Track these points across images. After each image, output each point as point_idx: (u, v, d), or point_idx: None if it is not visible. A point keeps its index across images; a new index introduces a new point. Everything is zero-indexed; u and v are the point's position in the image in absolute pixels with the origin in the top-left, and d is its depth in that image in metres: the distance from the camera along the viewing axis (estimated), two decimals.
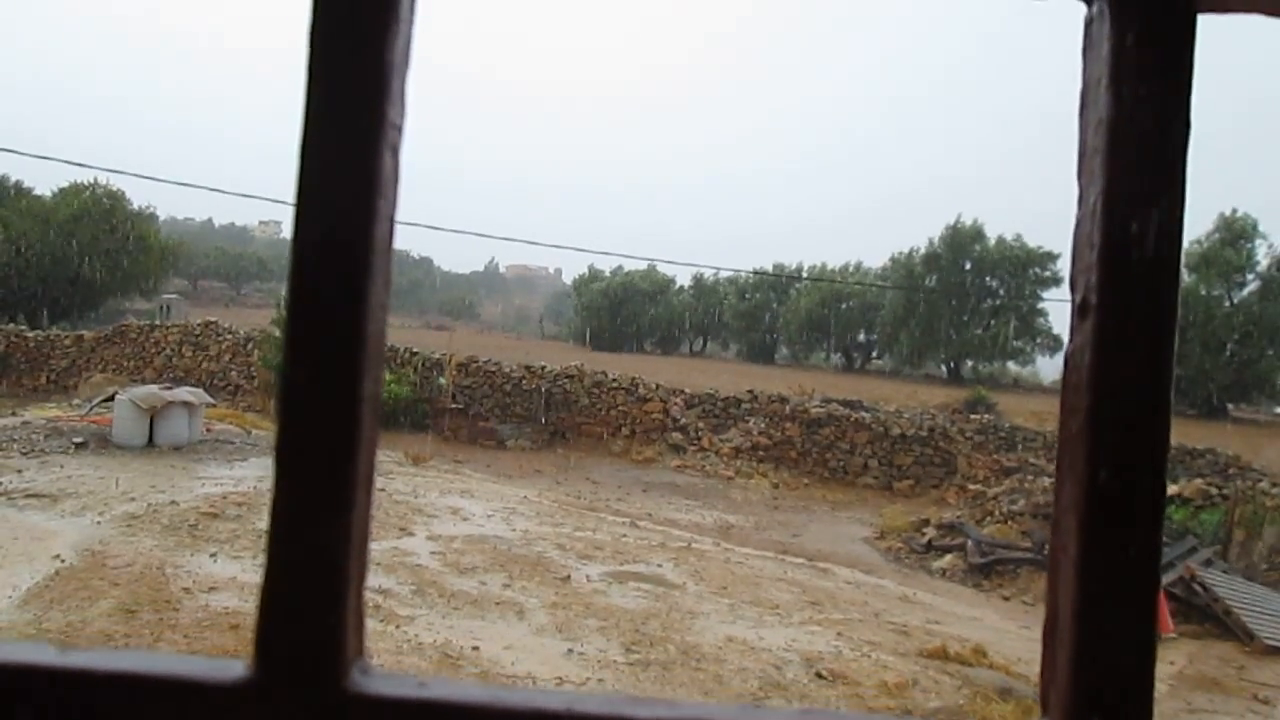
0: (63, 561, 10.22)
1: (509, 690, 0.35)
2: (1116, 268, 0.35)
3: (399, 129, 0.36)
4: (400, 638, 8.81)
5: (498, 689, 0.35)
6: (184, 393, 19.26)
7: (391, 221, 0.36)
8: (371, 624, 9.09)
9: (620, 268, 67.16)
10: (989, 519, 17.06)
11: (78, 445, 17.30)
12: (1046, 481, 17.87)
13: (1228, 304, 42.40)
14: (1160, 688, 9.89)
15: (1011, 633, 11.61)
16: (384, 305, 0.36)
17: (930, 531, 16.94)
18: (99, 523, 12.09)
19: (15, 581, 9.50)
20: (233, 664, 0.36)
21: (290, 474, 0.35)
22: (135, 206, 44.19)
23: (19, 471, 14.81)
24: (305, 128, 0.35)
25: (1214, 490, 16.87)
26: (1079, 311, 0.35)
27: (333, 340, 0.35)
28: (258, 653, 0.35)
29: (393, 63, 0.35)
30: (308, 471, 0.35)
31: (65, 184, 44.05)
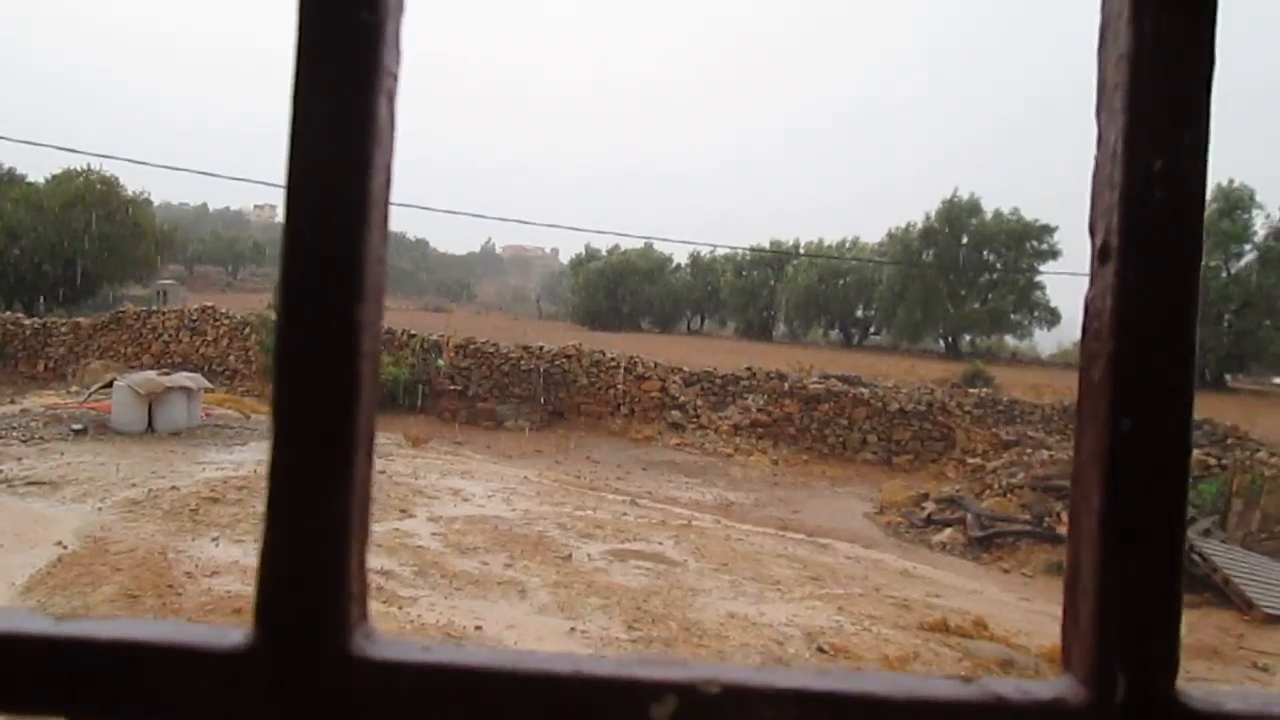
0: (65, 548, 10.24)
1: (515, 653, 0.34)
2: (1138, 208, 0.34)
3: (395, 76, 0.34)
4: (403, 618, 8.84)
5: (503, 652, 0.34)
6: (182, 378, 19.24)
7: (388, 172, 0.34)
8: (374, 605, 9.12)
9: (617, 247, 67.03)
10: (988, 492, 17.10)
11: (77, 432, 17.30)
12: (1045, 454, 17.90)
13: (1225, 275, 42.38)
14: None
15: (1011, 605, 11.66)
16: (382, 259, 0.35)
17: (930, 506, 16.99)
18: (100, 509, 12.11)
19: (18, 568, 9.52)
20: (233, 631, 0.35)
21: (288, 434, 0.34)
22: (129, 192, 43.99)
23: (19, 459, 14.81)
24: (297, 75, 0.33)
25: (1212, 461, 16.91)
26: (1099, 255, 0.34)
27: (330, 294, 0.34)
28: (258, 619, 0.34)
29: (388, 6, 0.33)
30: (306, 431, 0.34)
31: (58, 170, 43.86)
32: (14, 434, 16.73)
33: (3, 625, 0.34)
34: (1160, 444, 0.34)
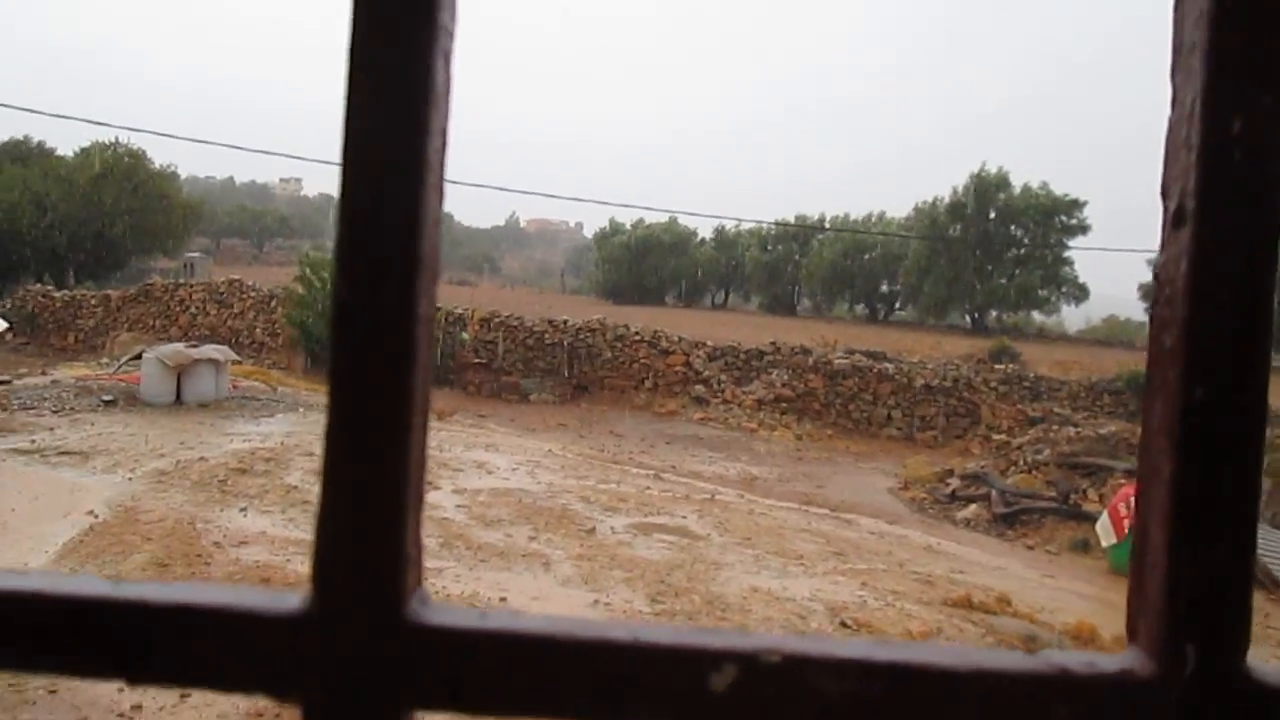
0: (96, 517, 10.39)
1: (572, 621, 0.34)
2: (1217, 170, 0.33)
3: (451, 34, 0.34)
4: (428, 590, 8.92)
5: (560, 620, 0.34)
6: (210, 350, 19.41)
7: (445, 135, 0.34)
8: None
9: (641, 220, 66.80)
10: (1013, 469, 17.01)
11: (106, 403, 17.50)
12: (1071, 431, 17.78)
13: None
14: None
15: (1035, 582, 11.63)
16: (438, 221, 0.34)
17: (954, 482, 16.93)
18: (130, 479, 12.27)
19: (51, 536, 9.68)
20: (290, 596, 0.35)
21: (345, 395, 0.34)
22: (156, 165, 44.24)
23: (51, 429, 15.02)
24: (353, 35, 0.33)
25: None
26: (1173, 220, 0.33)
27: (387, 259, 0.33)
28: (315, 581, 0.34)
29: None
30: (363, 392, 0.33)
31: (86, 144, 44.11)
32: (45, 404, 16.95)
33: (62, 587, 0.34)
34: (1234, 413, 0.33)
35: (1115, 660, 0.34)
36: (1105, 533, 12.46)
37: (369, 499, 0.34)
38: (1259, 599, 11.74)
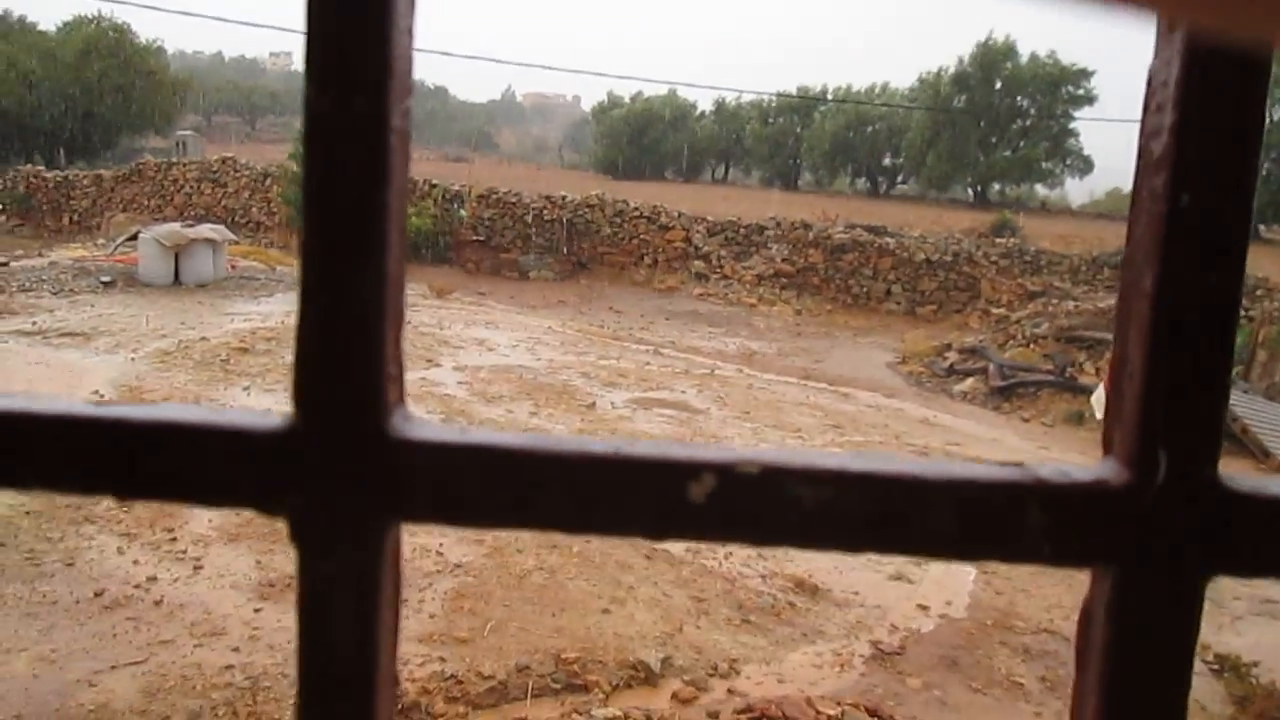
0: (102, 397, 10.50)
1: (554, 438, 0.34)
2: None
3: None
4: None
5: (542, 437, 0.34)
6: (206, 230, 19.29)
7: None
8: None
9: (640, 94, 65.46)
10: (1011, 343, 17.09)
11: (105, 284, 17.48)
12: (1071, 305, 17.79)
13: (1269, 120, 40.92)
14: None
15: (1030, 454, 11.82)
16: (409, 30, 0.33)
17: (952, 356, 17.03)
18: (133, 359, 12.35)
19: None
20: (272, 415, 0.35)
21: (318, 209, 0.33)
22: (142, 40, 43.08)
23: (51, 311, 15.05)
24: None
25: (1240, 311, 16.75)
26: (1170, 24, 0.32)
27: (358, 68, 0.32)
28: (297, 401, 0.34)
29: None
30: (336, 208, 0.33)
31: (68, 18, 42.88)
32: (44, 286, 16.94)
33: (47, 408, 0.35)
34: (1219, 222, 0.32)
35: (1090, 470, 0.35)
36: (1101, 406, 12.59)
37: (345, 317, 0.33)
38: (1248, 468, 11.94)
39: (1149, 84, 0.33)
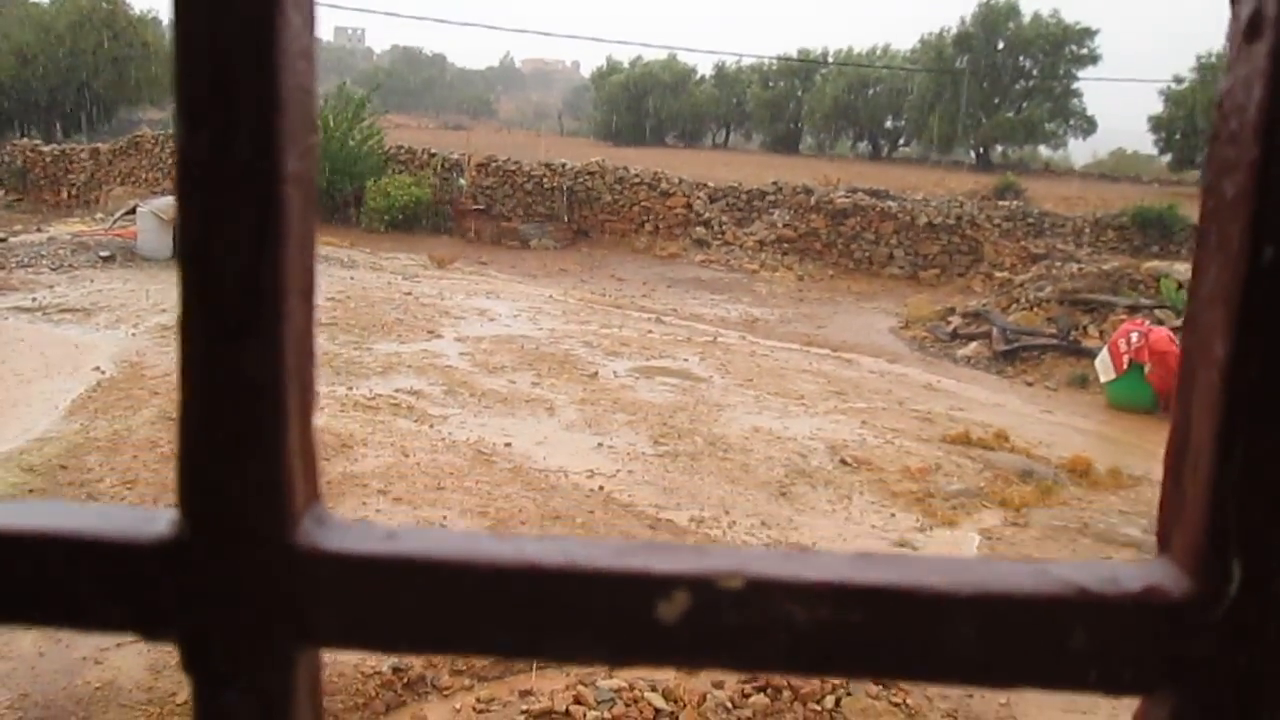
0: (103, 373, 10.46)
1: (497, 542, 0.28)
2: None
3: None
4: (434, 436, 9.05)
5: (484, 539, 0.29)
6: None
7: None
8: (405, 424, 9.32)
9: (639, 58, 64.80)
10: (1015, 306, 16.97)
11: (104, 259, 17.39)
12: (1074, 268, 17.64)
13: None
14: None
15: (1034, 418, 11.77)
16: (310, 54, 0.27)
17: (955, 320, 16.93)
18: (134, 334, 12.30)
19: (59, 393, 9.76)
20: (157, 516, 0.29)
21: (196, 276, 0.27)
22: (136, 12, 42.65)
23: (50, 287, 14.98)
24: None
25: None
26: (1246, 32, 0.25)
27: (237, 101, 0.26)
28: (182, 502, 0.28)
29: None
30: (216, 272, 0.27)
31: None
32: (44, 262, 16.85)
33: None
34: None
35: (1141, 574, 0.28)
36: (1104, 368, 12.52)
37: (236, 404, 0.27)
38: None
39: (1220, 107, 0.26)
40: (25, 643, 5.80)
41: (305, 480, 0.29)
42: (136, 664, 5.62)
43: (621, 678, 5.71)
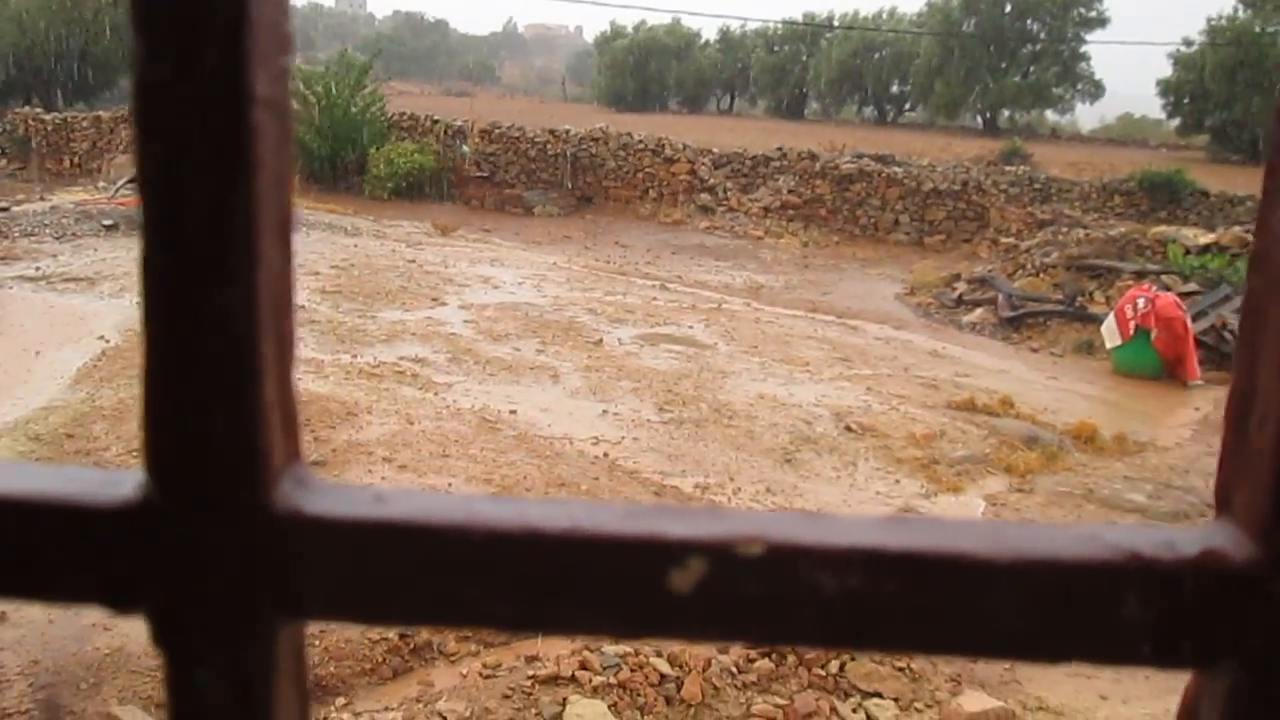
0: (107, 342, 10.45)
1: (495, 504, 0.27)
2: None
3: None
4: (439, 404, 9.05)
5: (481, 501, 0.27)
6: None
7: None
8: (410, 392, 9.32)
9: (643, 22, 64.15)
10: (1020, 272, 16.88)
11: (108, 228, 17.33)
12: (1081, 233, 17.53)
13: None
14: (1184, 433, 10.03)
15: (1039, 384, 11.73)
16: None
17: (961, 286, 16.85)
18: (138, 304, 12.29)
19: (64, 362, 9.76)
20: (123, 479, 0.28)
21: (158, 214, 0.25)
22: None
23: (54, 256, 14.95)
24: None
25: (1252, 238, 16.47)
26: None
27: (200, 15, 0.23)
28: (149, 464, 0.27)
29: None
30: (181, 210, 0.25)
31: None
32: (47, 231, 16.80)
33: None
34: None
35: (1200, 537, 0.26)
36: (1110, 334, 12.47)
37: (206, 357, 0.25)
38: None
39: None
40: (35, 609, 5.84)
41: (284, 438, 0.27)
42: (145, 631, 5.66)
43: (627, 643, 5.74)
